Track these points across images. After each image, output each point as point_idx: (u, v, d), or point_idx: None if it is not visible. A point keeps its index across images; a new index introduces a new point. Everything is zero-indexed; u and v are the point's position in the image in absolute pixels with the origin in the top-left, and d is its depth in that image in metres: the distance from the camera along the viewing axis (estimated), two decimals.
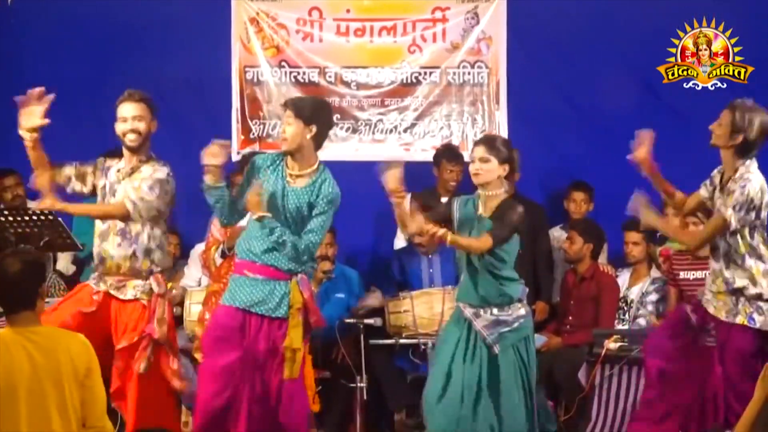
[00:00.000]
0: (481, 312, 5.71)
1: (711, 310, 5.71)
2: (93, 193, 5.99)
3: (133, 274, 5.84)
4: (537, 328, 7.71)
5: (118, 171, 5.90)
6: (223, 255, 6.61)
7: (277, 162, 5.74)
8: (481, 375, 5.69)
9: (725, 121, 5.61)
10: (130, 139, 5.83)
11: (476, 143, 5.88)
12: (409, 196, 7.85)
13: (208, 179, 5.64)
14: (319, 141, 5.72)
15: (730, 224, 5.55)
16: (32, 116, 5.70)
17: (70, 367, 4.43)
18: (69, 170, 5.92)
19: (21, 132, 5.72)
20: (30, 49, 8.18)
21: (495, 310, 5.70)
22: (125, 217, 5.80)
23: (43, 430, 4.34)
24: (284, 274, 5.69)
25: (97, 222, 5.93)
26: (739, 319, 5.62)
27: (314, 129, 5.65)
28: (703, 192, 5.83)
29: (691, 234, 6.30)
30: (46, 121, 5.70)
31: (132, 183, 5.83)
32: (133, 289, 5.83)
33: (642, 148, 5.81)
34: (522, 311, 5.76)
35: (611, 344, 6.66)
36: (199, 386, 5.77)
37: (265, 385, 5.65)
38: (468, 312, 5.73)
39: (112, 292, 5.83)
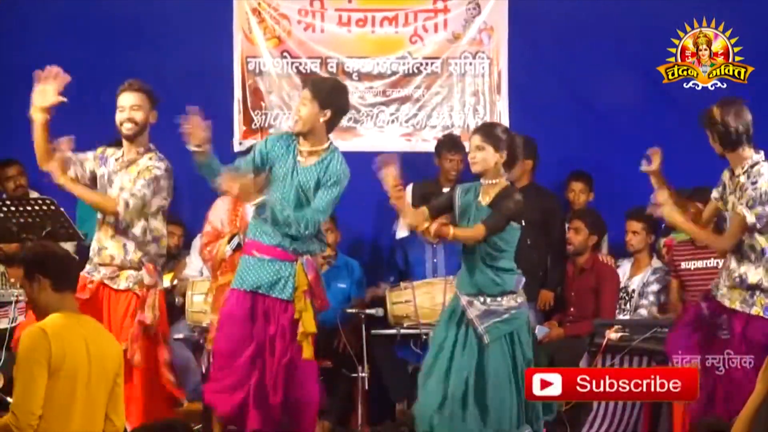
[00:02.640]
0: (475, 301, 5.70)
1: (726, 302, 5.72)
2: (93, 181, 5.99)
3: (125, 266, 5.87)
4: (539, 320, 7.76)
5: (117, 160, 5.93)
6: (239, 247, 6.57)
7: (290, 141, 5.77)
8: (470, 367, 5.67)
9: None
10: (127, 128, 5.85)
11: (473, 131, 5.90)
12: (410, 186, 7.92)
13: (198, 158, 5.61)
14: (331, 125, 5.77)
15: (749, 222, 5.54)
16: (47, 95, 5.71)
17: (110, 362, 4.57)
18: (70, 155, 5.92)
19: (32, 111, 5.72)
20: (32, 40, 8.18)
21: (488, 300, 5.69)
22: (114, 214, 5.82)
23: (91, 415, 4.47)
24: (290, 254, 5.75)
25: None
26: (755, 310, 5.66)
27: (328, 113, 5.69)
28: (715, 194, 5.85)
29: (722, 238, 5.91)
30: (61, 99, 5.71)
31: (129, 175, 5.86)
32: (125, 280, 5.87)
33: (653, 163, 5.83)
34: (514, 302, 5.74)
35: (612, 334, 6.67)
36: (214, 378, 5.84)
37: (276, 365, 5.70)
38: (464, 300, 5.73)
39: (106, 282, 5.87)
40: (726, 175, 5.80)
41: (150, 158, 5.89)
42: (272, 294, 5.73)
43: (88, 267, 5.94)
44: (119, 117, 5.87)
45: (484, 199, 5.74)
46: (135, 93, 5.86)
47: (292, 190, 5.71)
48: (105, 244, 5.89)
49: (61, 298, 4.54)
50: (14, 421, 4.29)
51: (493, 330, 5.67)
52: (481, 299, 5.70)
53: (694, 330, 5.89)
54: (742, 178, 5.63)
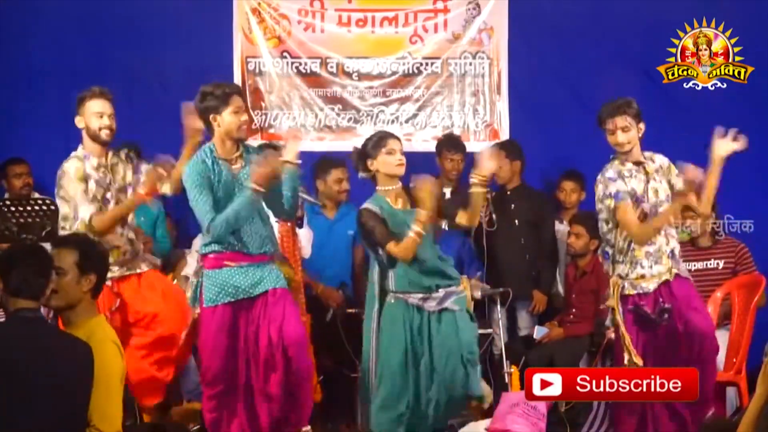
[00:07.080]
0: (429, 295, 5.76)
1: (684, 273, 5.99)
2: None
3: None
4: (540, 320, 7.76)
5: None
6: None
7: (209, 156, 5.72)
8: (432, 351, 5.75)
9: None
10: (106, 134, 6.06)
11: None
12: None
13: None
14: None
15: None
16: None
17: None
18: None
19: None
20: (34, 40, 8.18)
21: (450, 287, 5.80)
22: None
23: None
24: (270, 257, 5.80)
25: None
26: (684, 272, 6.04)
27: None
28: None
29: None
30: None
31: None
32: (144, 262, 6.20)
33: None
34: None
35: (612, 334, 6.67)
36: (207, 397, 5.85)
37: (272, 348, 5.69)
38: (414, 300, 5.77)
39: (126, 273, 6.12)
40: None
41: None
42: (268, 287, 5.71)
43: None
44: (98, 123, 6.02)
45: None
46: (108, 101, 6.04)
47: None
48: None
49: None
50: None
51: (458, 301, 5.78)
52: (439, 289, 5.77)
53: (643, 330, 6.01)
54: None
